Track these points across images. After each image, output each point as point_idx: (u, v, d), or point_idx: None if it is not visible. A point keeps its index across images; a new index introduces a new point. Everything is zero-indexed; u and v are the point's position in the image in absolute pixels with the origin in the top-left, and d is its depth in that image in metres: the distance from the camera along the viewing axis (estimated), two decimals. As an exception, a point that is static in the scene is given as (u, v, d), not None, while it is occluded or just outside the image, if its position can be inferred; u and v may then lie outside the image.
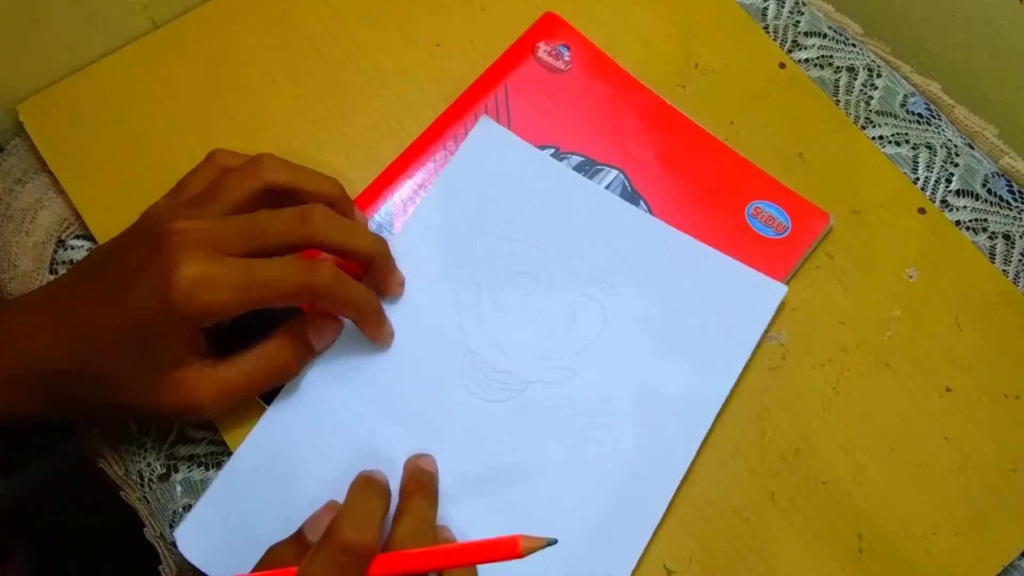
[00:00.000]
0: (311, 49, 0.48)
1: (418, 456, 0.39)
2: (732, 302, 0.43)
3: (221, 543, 0.38)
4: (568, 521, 0.39)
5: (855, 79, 0.50)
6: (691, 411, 0.41)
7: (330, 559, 0.32)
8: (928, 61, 0.53)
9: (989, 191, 0.48)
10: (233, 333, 0.40)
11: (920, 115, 0.49)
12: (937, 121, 0.49)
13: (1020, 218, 0.47)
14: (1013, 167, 0.48)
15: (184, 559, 0.38)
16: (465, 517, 0.39)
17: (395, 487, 0.39)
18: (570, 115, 0.47)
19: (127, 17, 0.48)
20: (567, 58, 0.48)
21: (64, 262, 0.45)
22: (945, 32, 0.52)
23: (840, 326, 0.44)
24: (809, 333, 0.44)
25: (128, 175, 0.45)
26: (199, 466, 0.41)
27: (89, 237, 0.45)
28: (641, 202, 0.45)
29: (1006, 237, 0.47)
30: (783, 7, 0.52)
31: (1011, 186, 0.48)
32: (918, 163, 0.48)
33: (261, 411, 0.40)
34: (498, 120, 0.46)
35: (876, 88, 0.50)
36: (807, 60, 0.50)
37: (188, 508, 0.40)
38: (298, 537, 0.36)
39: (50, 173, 0.46)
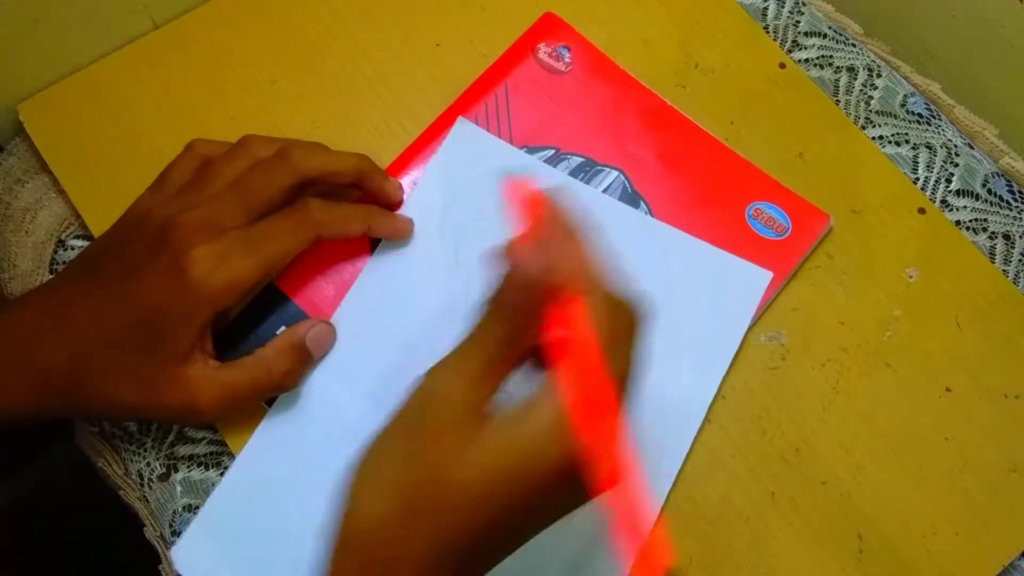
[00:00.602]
0: (311, 49, 0.48)
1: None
2: (718, 291, 0.43)
3: (218, 560, 0.39)
4: (565, 519, 0.39)
5: (855, 79, 0.50)
6: (684, 404, 0.41)
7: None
8: (928, 61, 0.53)
9: (989, 191, 0.48)
10: (233, 336, 0.41)
11: (920, 115, 0.49)
12: (937, 121, 0.49)
13: (1020, 218, 0.47)
14: (1013, 167, 0.48)
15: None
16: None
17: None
18: (570, 116, 0.47)
19: (127, 17, 0.48)
20: (567, 59, 0.48)
21: (64, 262, 0.45)
22: (945, 32, 0.52)
23: (840, 326, 0.44)
24: (809, 333, 0.44)
25: (128, 175, 0.45)
26: (199, 466, 0.41)
27: (89, 237, 0.45)
28: (641, 203, 0.45)
29: (1006, 237, 0.47)
30: (783, 7, 0.52)
31: (1011, 186, 0.48)
32: (918, 163, 0.48)
33: (262, 412, 0.41)
34: (498, 120, 0.46)
35: (876, 88, 0.50)
36: (807, 60, 0.50)
37: (188, 508, 0.40)
38: None
39: (50, 173, 0.46)
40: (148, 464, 0.41)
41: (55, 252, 0.45)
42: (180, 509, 0.40)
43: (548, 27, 0.48)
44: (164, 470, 0.41)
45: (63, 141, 0.46)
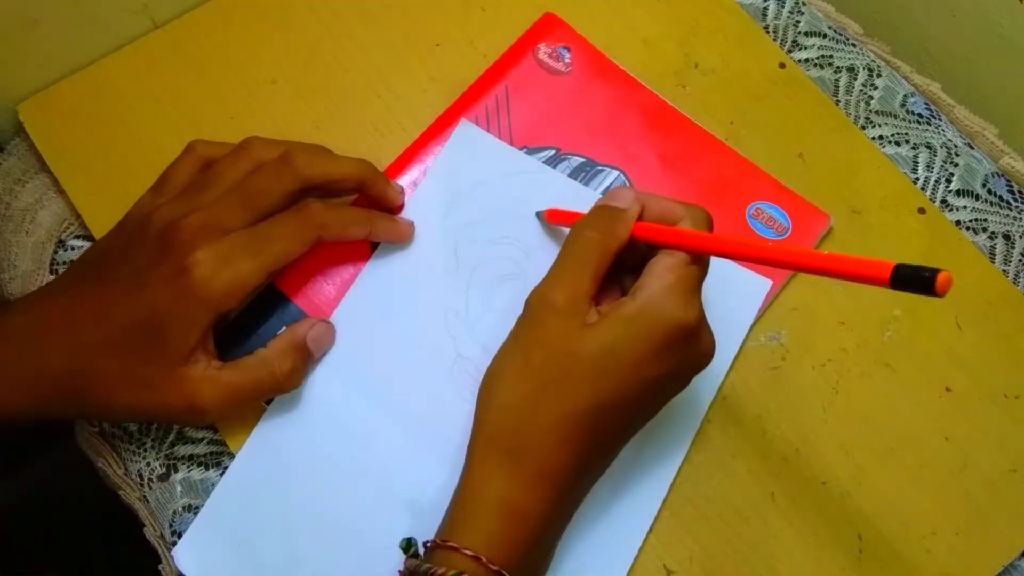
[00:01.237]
0: (311, 49, 0.48)
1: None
2: (718, 298, 0.43)
3: (220, 559, 0.39)
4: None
5: (855, 79, 0.50)
6: (681, 407, 0.41)
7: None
8: (928, 61, 0.53)
9: (989, 191, 0.48)
10: (234, 337, 0.41)
11: (920, 115, 0.49)
12: (937, 121, 0.49)
13: (1020, 218, 0.47)
14: (1013, 167, 0.48)
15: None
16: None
17: (391, 492, 0.39)
18: (571, 116, 0.47)
19: (127, 17, 0.48)
20: (567, 60, 0.48)
21: (64, 262, 0.45)
22: (945, 32, 0.52)
23: (840, 326, 0.44)
24: (809, 333, 0.44)
25: (128, 175, 0.45)
26: (199, 466, 0.41)
27: (89, 237, 0.45)
28: (641, 202, 0.45)
29: (1006, 237, 0.47)
30: (783, 7, 0.52)
31: (1011, 186, 0.48)
32: (918, 163, 0.48)
33: (262, 412, 0.41)
34: (498, 121, 0.46)
35: (876, 88, 0.50)
36: (807, 60, 0.50)
37: (188, 508, 0.40)
38: None
39: (50, 173, 0.46)
40: (148, 464, 0.41)
41: (55, 252, 0.45)
42: (180, 509, 0.40)
43: (548, 27, 0.48)
44: (164, 470, 0.41)
45: (63, 141, 0.46)
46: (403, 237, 0.43)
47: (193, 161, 0.40)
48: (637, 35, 0.50)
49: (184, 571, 0.38)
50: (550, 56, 0.48)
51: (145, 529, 0.41)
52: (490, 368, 0.35)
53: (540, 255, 0.43)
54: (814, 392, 0.43)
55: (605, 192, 0.45)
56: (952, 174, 0.48)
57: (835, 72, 0.50)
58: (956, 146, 0.48)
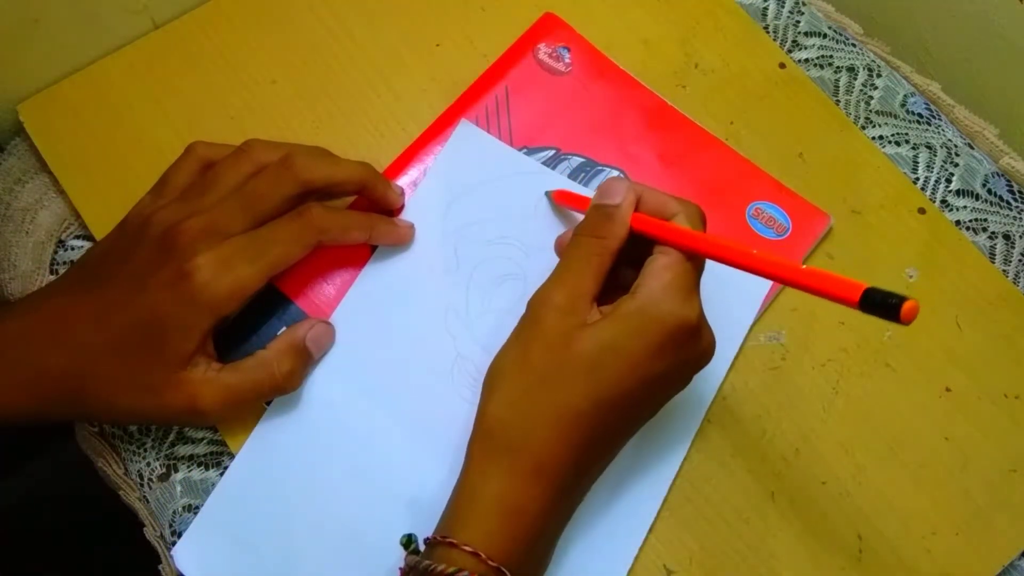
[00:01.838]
0: (311, 49, 0.48)
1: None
2: (718, 297, 0.43)
3: (220, 559, 0.39)
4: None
5: (855, 79, 0.50)
6: (681, 407, 0.41)
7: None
8: (928, 61, 0.53)
9: (989, 191, 0.48)
10: (234, 338, 0.41)
11: (920, 115, 0.49)
12: (937, 121, 0.49)
13: (1020, 218, 0.47)
14: (1013, 167, 0.48)
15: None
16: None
17: (391, 491, 0.39)
18: (571, 116, 0.47)
19: (127, 17, 0.48)
20: (567, 60, 0.48)
21: (64, 262, 0.45)
22: (945, 32, 0.52)
23: (840, 326, 0.44)
24: (809, 333, 0.44)
25: (128, 175, 0.45)
26: (199, 466, 0.41)
27: (89, 237, 0.45)
28: (641, 202, 0.45)
29: (1006, 237, 0.47)
30: (783, 7, 0.52)
31: (1011, 186, 0.48)
32: (918, 163, 0.48)
33: (261, 412, 0.41)
34: (498, 121, 0.46)
35: (876, 88, 0.50)
36: (807, 60, 0.50)
37: (188, 508, 0.40)
38: None
39: (50, 173, 0.46)
40: (148, 464, 0.41)
41: (55, 252, 0.45)
42: (180, 509, 0.40)
43: (548, 27, 0.48)
44: (164, 470, 0.41)
45: (63, 141, 0.46)
46: (403, 241, 0.43)
47: (193, 163, 0.40)
48: (637, 35, 0.50)
49: (184, 571, 0.38)
50: (550, 56, 0.48)
51: (145, 529, 0.41)
52: (491, 366, 0.35)
53: (540, 255, 0.43)
54: (814, 392, 0.43)
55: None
56: (952, 174, 0.48)
57: (835, 72, 0.50)
58: (956, 146, 0.48)
